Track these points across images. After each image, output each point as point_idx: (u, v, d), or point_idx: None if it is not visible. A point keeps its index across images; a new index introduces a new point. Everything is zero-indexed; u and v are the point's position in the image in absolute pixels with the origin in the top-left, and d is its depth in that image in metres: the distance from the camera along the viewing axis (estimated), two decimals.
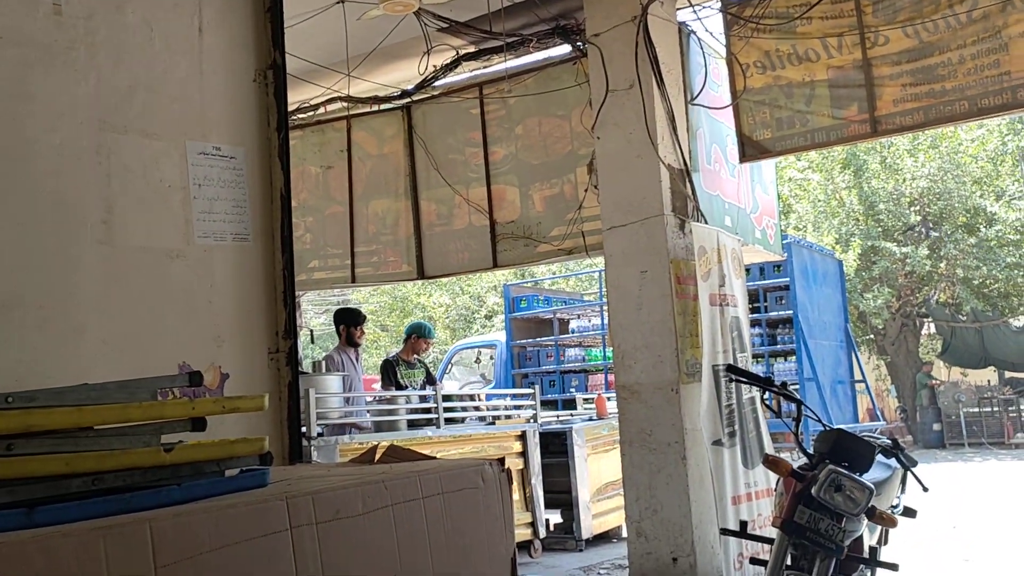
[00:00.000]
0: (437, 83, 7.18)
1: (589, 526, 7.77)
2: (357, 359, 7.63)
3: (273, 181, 3.09)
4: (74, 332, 2.59)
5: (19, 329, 2.47)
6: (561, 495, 7.76)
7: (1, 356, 2.43)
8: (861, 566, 3.38)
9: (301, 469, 2.70)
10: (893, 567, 3.08)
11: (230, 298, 3.00)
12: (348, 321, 7.64)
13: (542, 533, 7.44)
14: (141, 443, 1.96)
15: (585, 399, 9.62)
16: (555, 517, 8.02)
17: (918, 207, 19.72)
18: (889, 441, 3.58)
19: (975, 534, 7.54)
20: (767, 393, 3.45)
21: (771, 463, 3.03)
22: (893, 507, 3.70)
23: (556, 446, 7.85)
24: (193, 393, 2.59)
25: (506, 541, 2.40)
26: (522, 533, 7.20)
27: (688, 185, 5.82)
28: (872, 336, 21.17)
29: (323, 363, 7.58)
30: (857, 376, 13.68)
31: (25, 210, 2.48)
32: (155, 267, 2.81)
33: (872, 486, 2.90)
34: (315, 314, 24.77)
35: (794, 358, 12.30)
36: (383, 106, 7.56)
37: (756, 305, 12.10)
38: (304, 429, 5.41)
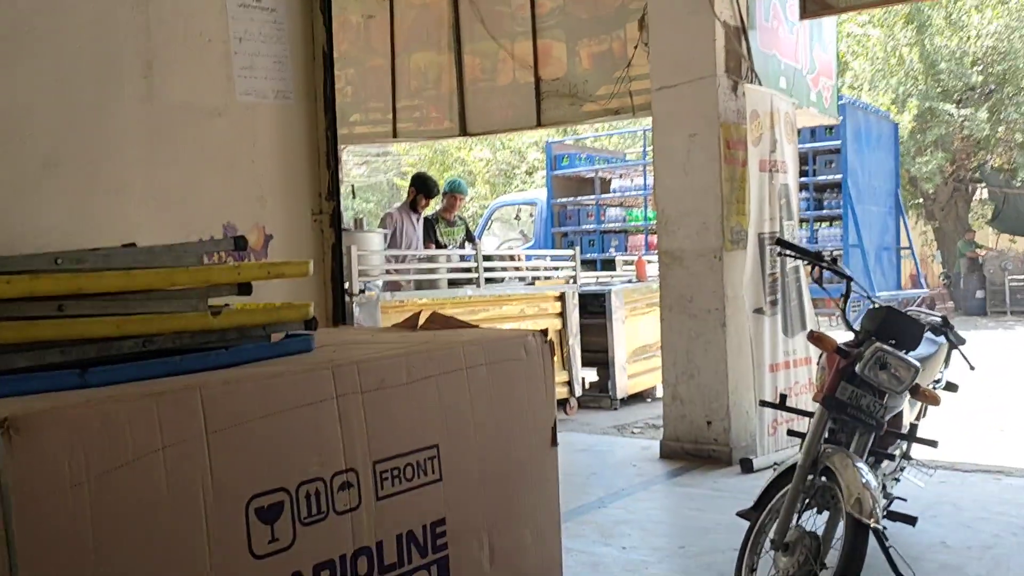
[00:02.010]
0: None
1: (624, 386, 7.91)
2: (418, 222, 7.62)
3: (315, 36, 2.98)
4: (118, 190, 2.58)
5: (64, 187, 2.46)
6: (597, 355, 7.87)
7: (48, 214, 2.43)
8: (899, 440, 3.40)
9: (345, 333, 2.72)
10: (932, 443, 3.09)
11: (273, 158, 2.96)
12: (419, 188, 7.53)
13: (578, 391, 7.59)
14: (189, 307, 1.97)
15: (625, 261, 9.60)
16: (591, 376, 8.16)
17: (981, 67, 18.84)
18: (939, 318, 3.53)
19: (1011, 404, 7.56)
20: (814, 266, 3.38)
21: (816, 339, 3.00)
22: (936, 382, 3.68)
23: (594, 307, 7.90)
24: (238, 256, 2.59)
25: (547, 410, 2.42)
26: (559, 391, 7.35)
27: (743, 44, 5.56)
28: (921, 201, 20.73)
29: (384, 218, 7.61)
30: (903, 243, 13.48)
31: (65, 67, 2.42)
32: (197, 124, 2.77)
33: (918, 364, 2.87)
34: (355, 164, 24.72)
35: (840, 223, 12.10)
36: None
37: (804, 168, 11.82)
38: (346, 285, 5.47)
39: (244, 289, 2.07)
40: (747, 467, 5.16)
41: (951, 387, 3.77)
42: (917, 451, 3.78)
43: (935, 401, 3.09)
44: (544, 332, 2.45)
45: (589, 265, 12.00)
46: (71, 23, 2.42)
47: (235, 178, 2.85)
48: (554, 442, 2.45)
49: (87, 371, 1.69)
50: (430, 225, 7.84)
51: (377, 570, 1.91)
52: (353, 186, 10.92)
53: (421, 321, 2.62)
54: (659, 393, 6.79)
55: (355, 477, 1.87)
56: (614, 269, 9.53)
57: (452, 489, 2.09)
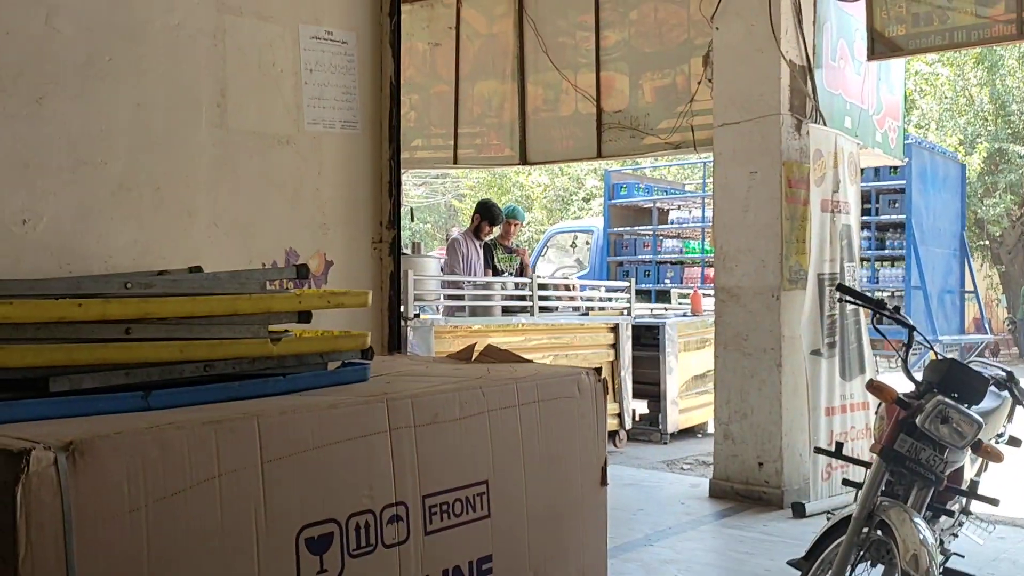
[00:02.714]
0: None
1: (675, 420, 7.83)
2: (481, 248, 7.68)
3: (383, 68, 3.04)
4: (187, 214, 2.64)
5: (136, 209, 2.53)
6: (649, 387, 7.81)
7: (120, 235, 2.50)
8: (958, 495, 3.30)
9: (400, 363, 2.74)
10: (993, 502, 3.00)
11: (337, 186, 3.00)
12: (484, 215, 7.59)
13: (628, 424, 7.53)
14: (250, 333, 2.01)
15: (680, 293, 9.53)
16: (642, 408, 8.09)
17: None
18: (1004, 373, 3.43)
19: None
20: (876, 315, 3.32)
21: (875, 389, 2.94)
22: (999, 436, 3.58)
23: (648, 339, 7.85)
24: (299, 283, 2.63)
25: (598, 449, 2.41)
26: (609, 423, 7.29)
27: (809, 83, 5.52)
28: (988, 243, 20.23)
29: (451, 244, 7.68)
30: (968, 286, 13.16)
31: (142, 91, 2.50)
32: (265, 152, 2.82)
33: (981, 420, 2.79)
34: (414, 186, 24.98)
35: (902, 264, 11.86)
36: None
37: (867, 207, 11.63)
38: (401, 309, 5.52)
39: (304, 317, 2.10)
40: (799, 512, 5.06)
41: (1014, 442, 3.66)
42: (977, 506, 3.67)
43: (998, 458, 3.00)
44: (598, 370, 2.44)
45: (644, 296, 11.93)
46: (149, 52, 2.50)
47: (299, 205, 2.90)
48: (604, 482, 2.43)
49: (150, 394, 1.73)
50: (488, 251, 7.88)
51: None
52: (412, 209, 11.04)
53: (476, 353, 2.64)
54: (710, 428, 6.70)
55: (404, 511, 1.88)
56: (669, 301, 9.48)
57: (500, 526, 2.09)
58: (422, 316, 5.81)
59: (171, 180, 2.58)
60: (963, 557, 3.60)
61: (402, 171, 3.29)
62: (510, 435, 2.14)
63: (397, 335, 3.22)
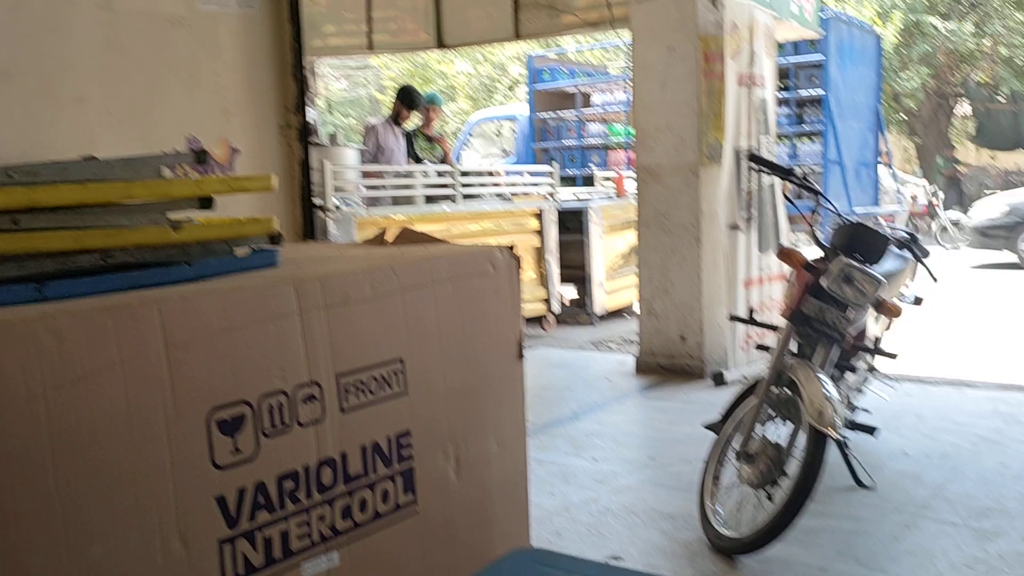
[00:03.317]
0: None
1: (602, 302, 7.97)
2: (401, 136, 7.51)
3: None
4: (75, 101, 2.53)
5: (20, 98, 2.41)
6: (576, 271, 7.90)
7: (4, 126, 2.38)
8: (862, 353, 3.45)
9: (312, 248, 2.72)
10: (892, 356, 3.14)
11: (237, 69, 2.90)
12: (403, 99, 7.40)
13: (556, 308, 7.64)
14: (149, 220, 1.96)
15: (604, 177, 9.55)
16: (570, 293, 8.20)
17: None
18: (906, 234, 3.55)
19: (976, 318, 7.69)
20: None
21: (785, 255, 3.02)
22: (901, 296, 3.73)
23: (573, 223, 7.89)
24: (202, 170, 2.55)
25: (514, 325, 2.44)
26: (537, 308, 7.39)
27: None
28: (904, 117, 20.63)
29: (366, 131, 7.51)
30: (883, 159, 13.44)
31: None
32: (156, 34, 2.70)
33: (882, 278, 2.90)
34: (335, 79, 24.25)
35: (821, 140, 12.04)
36: None
37: (785, 83, 11.69)
38: (321, 202, 5.43)
39: (206, 204, 2.05)
40: (719, 380, 5.25)
41: (917, 301, 3.82)
42: (882, 365, 3.85)
43: (897, 313, 3.13)
44: (511, 247, 2.45)
45: (569, 182, 11.91)
46: None
47: (198, 90, 2.80)
48: (520, 356, 2.47)
49: (45, 285, 1.68)
50: (409, 141, 7.74)
51: (342, 480, 1.94)
52: (329, 101, 10.73)
53: (390, 237, 2.62)
54: (636, 309, 6.85)
55: (319, 390, 1.89)
56: (594, 185, 9.49)
57: (417, 402, 2.12)
58: (343, 208, 5.73)
59: (57, 66, 2.45)
60: (870, 412, 3.80)
61: (313, 59, 3.18)
62: (424, 313, 2.15)
63: (310, 224, 3.17)
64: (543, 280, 7.50)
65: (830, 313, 2.92)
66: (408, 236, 2.56)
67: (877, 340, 3.29)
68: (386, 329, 2.06)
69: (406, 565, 2.11)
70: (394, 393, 2.06)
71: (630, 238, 7.68)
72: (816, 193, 3.16)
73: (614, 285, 8.14)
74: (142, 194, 1.93)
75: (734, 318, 3.54)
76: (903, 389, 4.96)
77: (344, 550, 1.95)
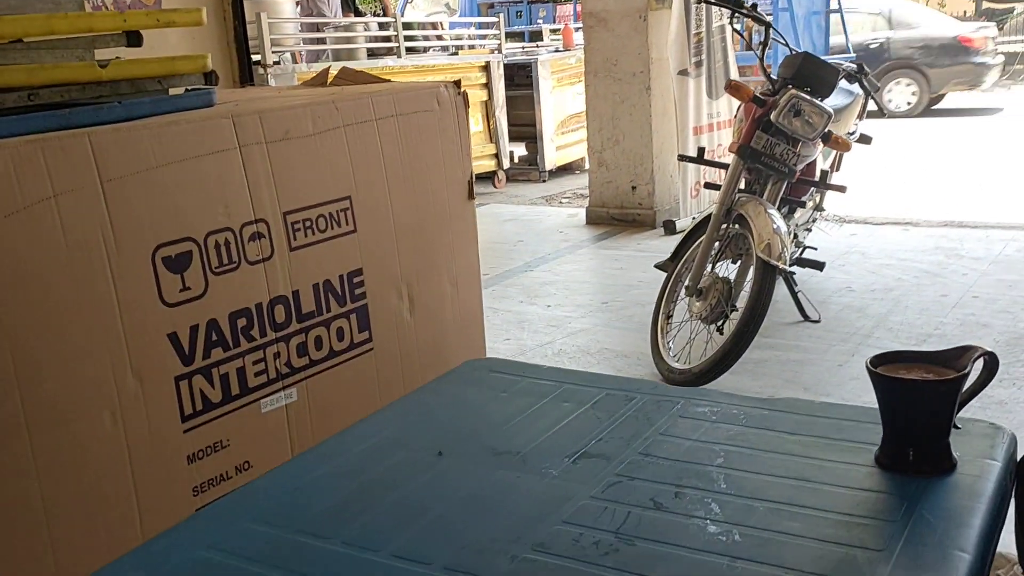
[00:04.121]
0: None
1: (552, 158, 7.90)
2: None
3: None
4: None
5: None
6: (525, 128, 7.79)
7: None
8: (811, 189, 3.48)
9: (250, 91, 2.62)
10: (840, 189, 3.18)
11: None
12: None
13: (506, 164, 7.57)
14: (74, 57, 1.86)
15: (552, 30, 9.31)
16: (519, 150, 8.12)
17: None
18: (855, 65, 3.52)
19: (922, 160, 7.80)
20: (736, 18, 3.31)
21: (733, 88, 2.99)
22: (850, 134, 3.74)
23: (521, 78, 7.73)
24: (127, 5, 2.42)
25: (463, 163, 2.40)
26: (486, 165, 7.32)
27: None
28: None
29: None
30: (833, 5, 13.25)
31: None
32: None
33: (831, 111, 2.89)
34: None
35: None
36: None
37: None
38: (259, 57, 5.22)
39: (134, 40, 1.95)
40: (670, 229, 5.29)
41: (865, 139, 3.84)
42: (830, 205, 3.90)
43: (846, 147, 3.15)
44: (457, 83, 2.39)
45: (517, 37, 11.59)
46: None
47: None
48: (471, 195, 2.45)
49: None
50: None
51: (295, 318, 1.94)
52: None
53: (330, 77, 2.53)
54: (587, 165, 6.81)
55: (266, 228, 1.86)
56: (542, 40, 9.26)
57: (368, 240, 2.10)
58: (282, 63, 5.52)
59: None
60: (816, 249, 3.87)
61: None
62: (369, 149, 2.10)
63: (248, 71, 3.05)
64: (492, 136, 7.40)
65: (779, 147, 2.92)
66: (349, 76, 2.48)
67: (824, 174, 3.31)
68: (331, 166, 2.01)
69: (362, 401, 2.14)
70: (343, 231, 2.04)
71: (580, 92, 7.55)
72: (766, 25, 3.10)
73: (564, 141, 8.06)
74: (64, 28, 1.83)
75: (683, 158, 3.53)
76: (848, 229, 5.06)
77: (301, 386, 1.96)
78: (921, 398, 0.87)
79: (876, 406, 0.94)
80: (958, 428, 0.92)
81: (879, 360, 0.93)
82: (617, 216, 5.61)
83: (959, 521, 0.79)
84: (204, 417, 1.76)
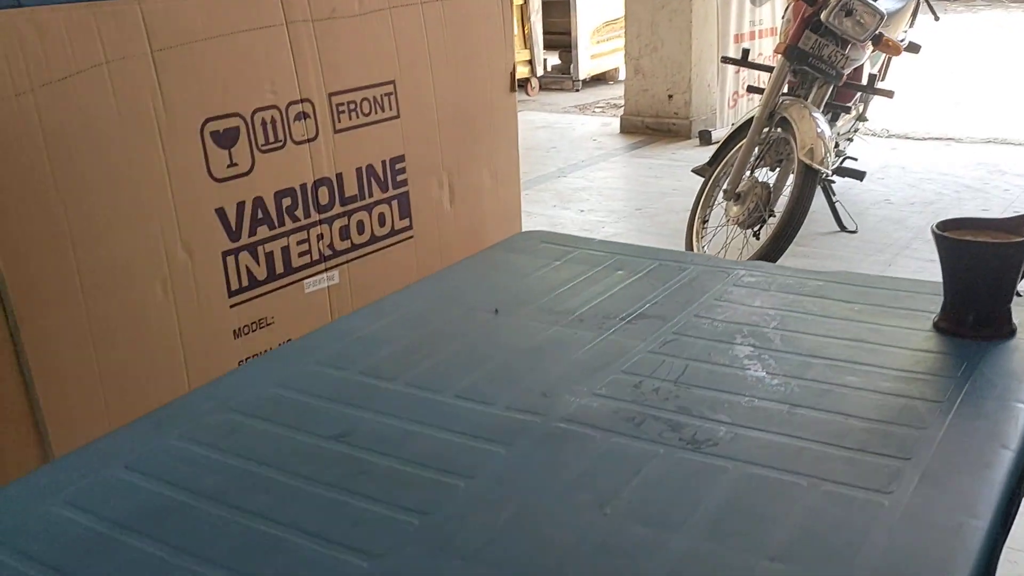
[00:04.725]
0: None
1: (587, 67, 7.76)
2: None
3: None
4: None
5: None
6: (560, 36, 7.64)
7: None
8: (857, 95, 3.41)
9: None
10: (888, 94, 3.11)
11: None
12: None
13: (540, 72, 7.45)
14: None
15: None
16: (553, 59, 7.98)
17: None
18: None
19: (970, 81, 7.59)
20: None
21: None
22: (900, 40, 3.64)
23: None
24: None
25: (505, 55, 2.37)
26: (520, 72, 7.20)
27: None
28: None
29: None
30: None
31: None
32: None
33: (884, 11, 2.81)
34: None
35: None
36: None
37: None
38: None
39: None
40: (706, 139, 5.22)
41: (913, 48, 3.73)
42: (872, 116, 3.83)
43: (896, 51, 3.07)
44: None
45: None
46: None
47: None
48: (513, 88, 2.43)
49: None
50: None
51: (339, 201, 1.95)
52: None
53: None
54: (622, 75, 6.69)
55: (311, 108, 1.85)
56: None
57: (410, 127, 2.09)
58: None
59: None
60: (856, 160, 3.81)
61: None
62: (414, 33, 2.08)
63: None
64: (527, 42, 7.26)
65: (828, 48, 2.85)
66: None
67: (872, 78, 3.23)
68: (376, 49, 1.99)
69: (401, 287, 2.16)
70: (387, 116, 2.03)
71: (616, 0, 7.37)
72: None
73: (599, 50, 7.90)
74: None
75: (726, 59, 3.46)
76: (889, 143, 4.98)
77: (343, 268, 1.98)
78: (986, 260, 0.87)
79: (933, 280, 0.94)
80: (1020, 296, 0.92)
81: (944, 226, 0.92)
82: (652, 125, 5.54)
83: (1020, 378, 0.79)
84: (250, 293, 1.79)
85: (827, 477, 0.67)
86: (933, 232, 0.91)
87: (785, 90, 3.02)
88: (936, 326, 0.91)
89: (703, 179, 3.24)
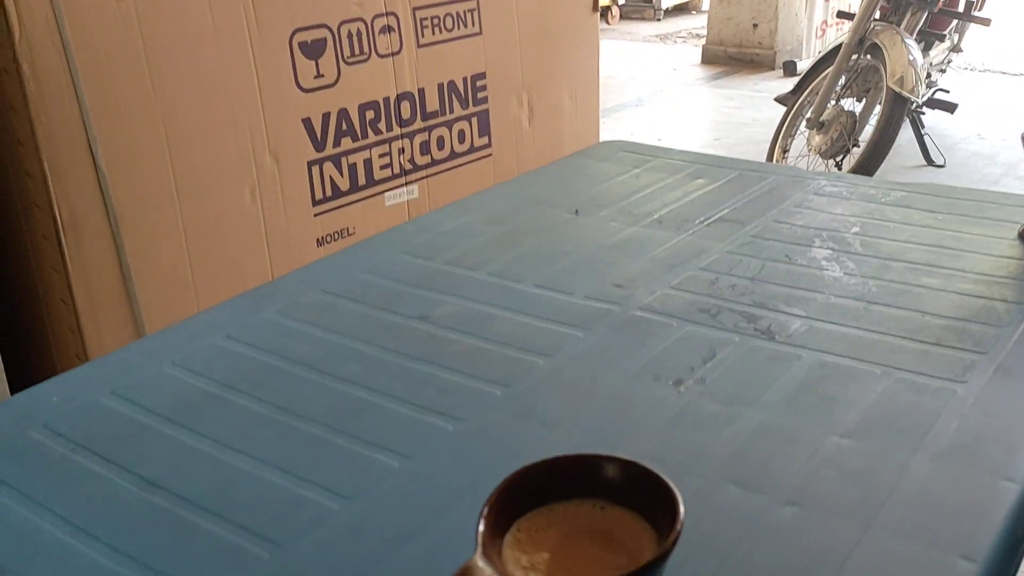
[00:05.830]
0: None
1: None
2: None
3: None
4: None
5: None
6: None
7: None
8: (952, 24, 3.28)
9: None
10: (985, 22, 2.98)
11: None
12: None
13: (621, 0, 7.31)
14: None
15: None
16: None
17: None
18: None
19: None
20: None
21: None
22: None
23: None
24: None
25: None
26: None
27: None
28: None
29: None
30: None
31: None
32: None
33: None
34: None
35: None
36: None
37: None
38: None
39: None
40: (790, 70, 5.08)
41: None
42: (968, 49, 3.67)
43: None
44: None
45: None
46: None
47: None
48: (596, 7, 2.40)
49: None
50: None
51: (420, 116, 1.98)
52: None
53: None
54: (705, 6, 6.53)
55: (396, 22, 1.87)
56: None
57: (492, 45, 2.10)
58: None
59: None
60: (948, 92, 3.68)
61: None
62: None
63: None
64: None
65: None
66: None
67: (970, 6, 3.10)
68: None
69: None
70: (469, 32, 2.04)
71: None
72: None
73: None
74: None
75: None
76: (985, 78, 4.78)
77: (423, 183, 2.02)
78: None
79: (1020, 193, 0.92)
80: None
81: None
82: (735, 55, 5.41)
83: None
84: (333, 203, 1.84)
85: (901, 367, 0.68)
86: (1023, 139, 0.90)
87: (877, 16, 2.92)
88: (1021, 235, 0.90)
89: (785, 108, 3.18)
